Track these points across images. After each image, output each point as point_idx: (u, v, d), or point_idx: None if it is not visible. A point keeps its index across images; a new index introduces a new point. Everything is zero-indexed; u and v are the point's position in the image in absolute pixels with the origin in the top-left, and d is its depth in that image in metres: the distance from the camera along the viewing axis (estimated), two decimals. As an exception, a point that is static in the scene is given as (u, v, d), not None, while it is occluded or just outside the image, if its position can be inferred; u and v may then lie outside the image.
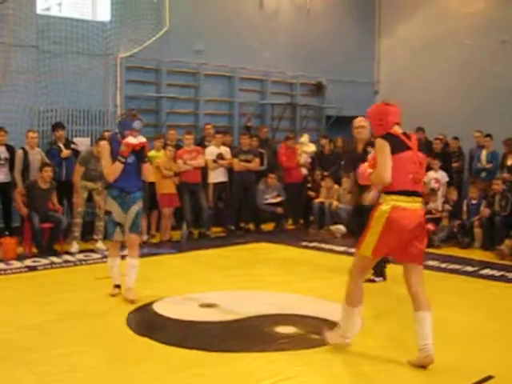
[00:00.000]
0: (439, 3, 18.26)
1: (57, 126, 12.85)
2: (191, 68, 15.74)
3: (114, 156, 7.97)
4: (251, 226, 14.59)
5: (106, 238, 8.72)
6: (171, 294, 8.50)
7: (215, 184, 14.03)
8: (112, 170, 7.99)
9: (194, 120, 15.95)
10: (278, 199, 14.54)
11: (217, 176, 13.99)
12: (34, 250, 11.49)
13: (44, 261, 10.86)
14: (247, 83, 16.95)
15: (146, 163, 8.25)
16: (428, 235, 10.95)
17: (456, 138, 15.37)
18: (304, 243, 12.85)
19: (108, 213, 8.25)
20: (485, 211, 12.53)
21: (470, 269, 10.55)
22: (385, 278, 9.43)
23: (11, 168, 12.14)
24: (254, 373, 5.74)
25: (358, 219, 8.99)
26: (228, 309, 7.83)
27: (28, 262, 10.71)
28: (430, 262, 10.31)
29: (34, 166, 12.00)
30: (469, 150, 15.40)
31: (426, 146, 15.34)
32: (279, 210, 14.49)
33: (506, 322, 7.50)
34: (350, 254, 11.63)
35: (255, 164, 14.32)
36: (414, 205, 6.00)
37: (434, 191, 13.36)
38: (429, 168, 13.97)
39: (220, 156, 13.90)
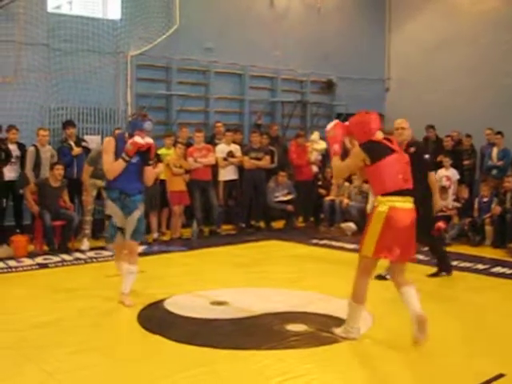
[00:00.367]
0: (450, 1, 18.21)
1: (67, 124, 12.89)
2: (201, 66, 15.76)
3: (118, 154, 7.68)
4: (262, 224, 14.59)
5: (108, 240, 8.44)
6: (182, 292, 8.50)
7: (225, 182, 14.05)
8: (113, 167, 7.70)
9: (204, 118, 15.97)
10: (289, 197, 14.53)
11: (227, 174, 14.00)
12: (45, 247, 11.52)
13: (55, 258, 10.89)
14: (257, 81, 16.96)
15: (149, 166, 7.96)
16: (439, 233, 10.99)
17: (469, 136, 15.33)
18: (314, 241, 12.85)
19: (109, 217, 8.01)
20: (496, 209, 12.49)
21: (481, 266, 10.52)
22: (450, 273, 9.53)
23: (22, 166, 12.19)
24: (264, 370, 5.74)
25: None
26: (238, 306, 7.83)
27: (39, 260, 10.76)
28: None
29: (44, 163, 12.06)
30: (480, 147, 15.35)
31: (436, 144, 15.39)
32: (289, 207, 14.48)
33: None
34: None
35: (265, 162, 14.31)
36: (408, 205, 6.47)
37: (444, 189, 13.32)
38: (440, 166, 13.96)
39: (230, 154, 13.91)
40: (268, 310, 7.61)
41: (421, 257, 10.65)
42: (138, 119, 7.90)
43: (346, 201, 14.36)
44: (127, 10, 14.25)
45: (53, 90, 13.27)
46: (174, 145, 13.29)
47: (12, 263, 10.45)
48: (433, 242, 9.71)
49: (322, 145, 15.44)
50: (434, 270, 9.70)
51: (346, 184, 14.68)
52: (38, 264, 10.50)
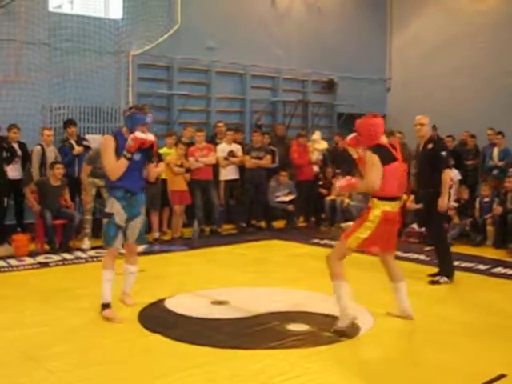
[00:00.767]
0: (451, 0, 18.21)
1: (68, 123, 12.91)
2: (203, 65, 15.77)
3: (119, 152, 7.20)
4: (262, 224, 14.58)
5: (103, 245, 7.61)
6: (183, 291, 8.50)
7: (226, 181, 14.05)
8: (116, 166, 7.20)
9: (205, 117, 15.97)
10: (290, 197, 14.52)
11: (228, 173, 14.00)
12: (46, 246, 11.52)
13: (56, 257, 10.89)
14: (259, 80, 16.97)
15: (152, 163, 7.62)
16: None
17: (473, 136, 15.32)
18: (315, 240, 12.84)
19: (109, 215, 7.35)
20: (497, 209, 12.48)
21: (482, 267, 10.51)
22: (451, 280, 9.34)
23: (23, 165, 12.20)
24: (266, 370, 5.74)
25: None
26: (239, 306, 7.83)
27: (40, 259, 10.76)
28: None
29: (49, 163, 12.04)
30: (481, 147, 15.34)
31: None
32: (290, 207, 14.48)
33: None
34: (362, 252, 11.66)
35: (266, 161, 14.31)
36: (396, 208, 7.06)
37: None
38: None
39: (231, 153, 13.91)
40: (269, 310, 7.61)
41: (421, 257, 10.67)
42: (140, 113, 7.38)
43: (346, 201, 14.36)
44: (129, 10, 14.24)
45: (54, 89, 13.27)
46: (176, 144, 13.28)
47: (13, 262, 10.45)
48: (441, 240, 9.61)
49: (323, 144, 15.44)
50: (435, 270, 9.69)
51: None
52: (39, 263, 10.50)
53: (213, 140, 14.45)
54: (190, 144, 13.59)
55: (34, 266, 10.29)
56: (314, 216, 15.26)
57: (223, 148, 13.96)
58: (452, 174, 13.84)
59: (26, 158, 12.22)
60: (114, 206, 7.32)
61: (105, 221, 7.41)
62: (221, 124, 14.81)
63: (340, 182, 7.44)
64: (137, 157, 7.29)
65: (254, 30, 16.54)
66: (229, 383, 5.46)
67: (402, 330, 6.97)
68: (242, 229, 14.23)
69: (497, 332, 7.01)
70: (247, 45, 16.24)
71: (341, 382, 5.53)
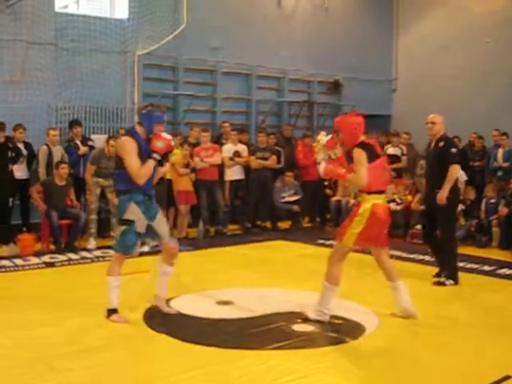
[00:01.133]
0: (457, 0, 18.18)
1: (74, 123, 12.94)
2: (209, 66, 15.79)
3: (142, 155, 6.88)
4: (268, 224, 14.58)
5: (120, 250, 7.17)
6: (188, 291, 8.51)
7: (231, 182, 14.06)
8: (145, 170, 6.86)
9: (211, 117, 15.99)
10: (295, 197, 14.52)
11: (233, 174, 14.00)
12: (52, 246, 11.54)
13: (61, 257, 10.91)
14: (264, 81, 16.98)
15: (162, 166, 7.35)
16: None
17: (481, 137, 15.29)
18: (320, 241, 12.83)
19: (129, 222, 6.97)
20: (503, 210, 12.47)
21: (487, 268, 10.50)
22: (457, 282, 9.29)
23: (29, 165, 12.24)
24: (271, 370, 5.75)
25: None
26: (244, 306, 7.83)
27: (46, 259, 10.78)
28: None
29: (55, 163, 12.06)
30: (487, 148, 15.31)
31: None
32: (296, 208, 14.47)
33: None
34: (367, 253, 11.65)
35: (272, 162, 14.31)
36: (385, 201, 7.37)
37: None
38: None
39: (237, 154, 13.91)
40: (274, 310, 7.62)
41: (427, 258, 10.66)
42: (157, 111, 7.13)
43: (352, 201, 14.30)
44: (134, 10, 14.26)
45: (60, 90, 13.29)
46: (181, 145, 13.29)
47: (19, 262, 10.47)
48: (448, 242, 9.50)
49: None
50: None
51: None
52: (45, 263, 10.52)
53: (218, 140, 14.45)
54: (196, 144, 13.59)
55: (40, 266, 10.31)
56: (320, 216, 15.26)
57: (228, 148, 13.96)
58: (458, 175, 13.88)
59: (31, 158, 12.26)
60: (134, 212, 6.96)
61: (122, 227, 7.02)
62: (226, 124, 14.81)
63: (327, 168, 7.45)
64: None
65: (260, 30, 16.55)
66: (235, 383, 5.47)
67: (406, 331, 6.97)
68: (247, 229, 14.23)
69: (502, 333, 7.00)
70: (253, 45, 16.25)
71: (345, 383, 5.53)
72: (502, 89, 16.47)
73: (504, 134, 14.43)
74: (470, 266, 10.50)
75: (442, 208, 9.15)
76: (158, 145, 6.95)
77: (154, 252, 11.08)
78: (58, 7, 13.52)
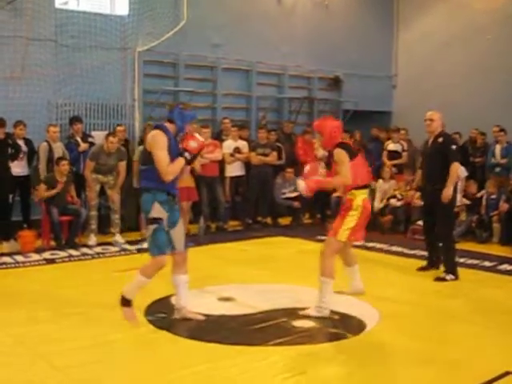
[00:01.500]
0: (458, -3, 18.20)
1: (74, 120, 12.93)
2: (209, 62, 15.77)
3: (171, 152, 6.65)
4: (268, 220, 14.58)
5: (151, 252, 6.79)
6: (189, 288, 8.50)
7: (232, 178, 14.05)
8: (175, 168, 6.64)
9: (211, 114, 15.97)
10: (296, 193, 14.50)
11: (234, 170, 14.00)
12: (53, 242, 11.54)
13: (62, 253, 10.92)
14: (265, 77, 16.95)
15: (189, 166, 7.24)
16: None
17: (483, 134, 15.27)
18: (321, 237, 12.77)
19: (157, 220, 6.71)
20: (503, 206, 12.46)
21: (487, 264, 10.49)
22: (457, 277, 9.35)
23: (29, 162, 12.24)
24: (272, 366, 5.76)
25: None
26: (245, 302, 7.84)
27: (46, 255, 10.78)
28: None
29: (56, 159, 12.05)
30: (489, 144, 15.29)
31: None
32: (296, 204, 14.47)
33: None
34: (368, 248, 11.69)
35: (272, 158, 14.31)
36: (368, 195, 7.85)
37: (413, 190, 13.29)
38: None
39: (237, 150, 13.91)
40: (275, 306, 7.63)
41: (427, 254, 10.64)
42: (189, 109, 6.99)
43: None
44: (135, 6, 14.23)
45: (60, 86, 13.28)
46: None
47: (19, 258, 10.47)
48: (447, 237, 9.57)
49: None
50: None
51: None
52: (45, 259, 10.52)
53: (219, 136, 14.45)
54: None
55: (41, 263, 10.31)
56: (320, 213, 15.25)
57: (229, 144, 13.96)
58: (458, 171, 13.88)
59: (32, 155, 12.25)
60: (160, 212, 6.69)
61: (151, 227, 6.72)
62: (226, 121, 14.80)
63: (306, 184, 7.51)
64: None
65: (260, 26, 16.53)
66: (236, 379, 5.48)
67: (406, 327, 6.98)
68: (248, 225, 14.23)
69: (502, 329, 7.01)
70: (253, 42, 16.23)
71: (346, 378, 5.54)
72: (502, 85, 16.44)
73: (502, 130, 14.38)
74: (470, 261, 10.50)
75: (441, 204, 9.18)
76: (192, 144, 6.77)
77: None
78: (58, 3, 13.48)
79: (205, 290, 8.44)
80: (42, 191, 11.60)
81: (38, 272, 9.74)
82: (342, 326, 7.00)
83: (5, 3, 12.47)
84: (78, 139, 12.78)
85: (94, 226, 11.99)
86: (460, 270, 9.52)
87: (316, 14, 17.82)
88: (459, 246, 11.57)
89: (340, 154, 7.40)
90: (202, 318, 7.20)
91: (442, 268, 9.51)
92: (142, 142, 13.32)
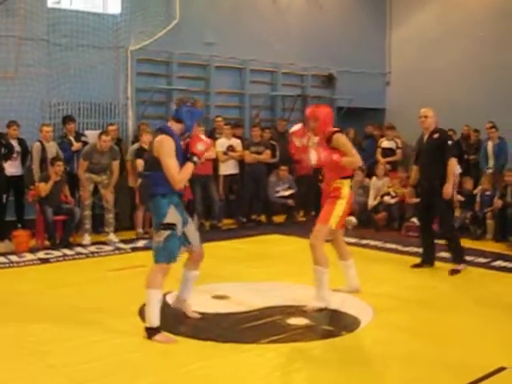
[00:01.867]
0: (451, -6, 18.21)
1: (67, 119, 12.91)
2: (202, 60, 15.75)
3: (179, 157, 6.49)
4: (262, 218, 14.60)
5: (161, 260, 6.53)
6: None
7: (226, 176, 14.05)
8: (184, 175, 6.48)
9: (204, 112, 15.94)
10: (290, 192, 14.52)
11: (227, 168, 14.00)
12: (47, 242, 11.53)
13: (56, 253, 10.90)
14: (258, 75, 16.94)
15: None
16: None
17: (477, 131, 15.26)
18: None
19: (171, 226, 6.48)
20: (497, 202, 12.48)
21: (482, 260, 10.51)
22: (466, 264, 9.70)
23: (23, 161, 12.22)
24: (266, 364, 5.77)
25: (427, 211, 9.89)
26: (240, 300, 7.85)
27: (40, 255, 10.76)
28: (443, 254, 10.29)
29: (49, 159, 12.01)
30: (482, 141, 15.28)
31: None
32: (290, 202, 14.49)
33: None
34: (362, 245, 11.71)
35: (266, 156, 14.33)
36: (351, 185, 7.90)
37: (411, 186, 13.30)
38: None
39: (230, 148, 13.91)
40: (269, 304, 7.63)
41: (422, 251, 10.65)
42: (196, 107, 6.66)
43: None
44: (127, 5, 14.21)
45: (53, 85, 13.25)
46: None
47: (13, 258, 10.46)
48: (451, 231, 9.78)
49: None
50: (451, 266, 9.69)
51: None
52: (40, 259, 10.51)
53: (212, 135, 14.42)
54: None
55: (35, 262, 10.30)
56: (314, 210, 15.21)
57: (222, 143, 13.96)
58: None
59: (25, 155, 12.23)
60: (175, 216, 6.51)
61: (165, 233, 6.46)
62: (219, 119, 14.79)
63: (318, 155, 7.46)
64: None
65: (253, 24, 16.51)
66: (230, 377, 5.48)
67: (400, 324, 6.98)
68: (242, 223, 14.25)
69: (496, 325, 7.02)
70: (246, 39, 16.22)
71: (341, 376, 5.53)
72: (497, 82, 16.45)
73: (493, 126, 14.32)
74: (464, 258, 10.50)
75: (440, 200, 9.26)
76: (200, 148, 6.59)
77: (147, 247, 11.16)
78: (50, 3, 13.45)
79: (199, 288, 8.38)
80: (42, 188, 11.54)
81: (32, 272, 9.73)
82: (337, 323, 7.01)
83: (-3, 3, 12.46)
84: (71, 139, 12.76)
85: (88, 225, 11.98)
86: (454, 267, 9.56)
87: (309, 12, 17.82)
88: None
89: (341, 138, 7.58)
90: (198, 316, 7.17)
91: (436, 264, 9.64)
92: (135, 140, 13.35)
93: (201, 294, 8.08)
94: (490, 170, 13.89)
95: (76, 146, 12.65)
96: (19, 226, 11.98)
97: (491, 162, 14.19)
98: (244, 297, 8.01)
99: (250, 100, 16.72)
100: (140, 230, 12.71)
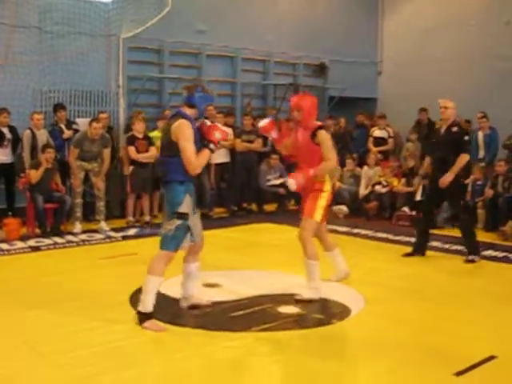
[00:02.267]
0: (443, -17, 18.19)
1: (58, 107, 12.86)
2: (194, 48, 15.72)
3: (196, 142, 6.51)
4: (254, 207, 14.61)
5: (169, 248, 6.55)
6: (175, 274, 8.48)
7: (217, 165, 14.02)
8: (202, 161, 6.56)
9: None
10: (281, 180, 14.49)
11: (219, 157, 13.95)
12: (38, 230, 11.52)
13: (47, 241, 10.90)
14: (250, 64, 16.93)
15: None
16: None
17: (468, 121, 15.25)
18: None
19: (184, 215, 6.57)
20: (488, 192, 12.51)
21: (472, 250, 10.55)
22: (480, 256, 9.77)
23: (14, 149, 12.19)
24: (257, 352, 5.78)
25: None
26: (231, 288, 7.86)
27: (31, 243, 10.76)
28: (434, 243, 10.33)
29: (40, 146, 11.98)
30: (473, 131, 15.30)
31: (428, 127, 15.38)
32: (282, 190, 14.47)
33: (508, 303, 7.51)
34: (353, 234, 11.73)
35: (257, 144, 14.32)
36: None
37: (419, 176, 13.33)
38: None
39: (222, 136, 13.87)
40: (260, 292, 7.65)
41: (413, 240, 10.66)
42: (206, 92, 6.77)
43: (338, 184, 14.38)
44: (119, -8, 14.17)
45: (44, 73, 13.19)
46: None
47: (4, 246, 10.44)
48: (466, 222, 9.90)
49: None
50: (442, 256, 9.74)
51: (338, 167, 14.71)
52: (31, 247, 10.50)
53: (203, 123, 14.41)
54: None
55: (26, 250, 10.28)
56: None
57: (214, 131, 13.92)
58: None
59: (16, 142, 12.19)
60: (189, 205, 6.64)
61: (176, 222, 6.51)
62: (211, 107, 14.72)
63: (296, 180, 7.37)
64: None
65: (245, 13, 16.49)
66: (221, 364, 5.50)
67: (391, 313, 7.00)
68: (233, 212, 14.27)
69: (486, 314, 7.04)
70: (238, 28, 16.20)
71: (331, 364, 5.55)
72: (487, 72, 16.45)
73: (484, 116, 14.30)
74: (455, 247, 10.51)
75: (455, 191, 9.36)
76: (217, 136, 6.66)
77: (139, 235, 11.19)
78: (41, -10, 13.41)
79: (190, 276, 8.44)
80: (33, 175, 11.51)
81: (23, 259, 9.72)
82: (327, 312, 7.04)
83: (-13, -10, 12.40)
84: (62, 126, 12.72)
85: (78, 213, 11.96)
86: (445, 256, 9.64)
87: (301, 0, 17.80)
88: (444, 232, 11.67)
89: (324, 136, 7.50)
90: (209, 303, 7.17)
91: (427, 253, 9.78)
92: (127, 129, 13.32)
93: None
94: (483, 164, 13.85)
95: (67, 133, 12.62)
96: (10, 213, 11.93)
97: (482, 153, 14.18)
98: (235, 285, 8.03)
99: (241, 88, 16.72)
100: (131, 219, 12.72)
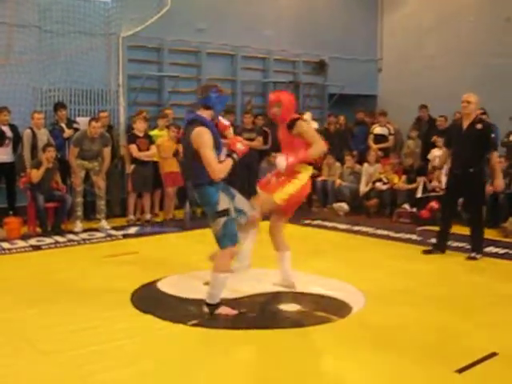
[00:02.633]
0: (443, -20, 18.18)
1: (58, 106, 12.86)
2: (193, 47, 15.72)
3: (217, 148, 6.68)
4: (254, 205, 14.59)
5: (224, 243, 6.72)
6: (175, 272, 8.53)
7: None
8: (225, 168, 6.72)
9: (196, 99, 15.87)
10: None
11: (219, 155, 13.97)
12: (38, 229, 11.52)
13: (48, 240, 10.90)
14: (250, 62, 16.93)
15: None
16: (432, 213, 11.13)
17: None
18: (307, 221, 12.85)
19: (225, 212, 6.73)
20: (489, 189, 12.47)
21: (473, 246, 10.54)
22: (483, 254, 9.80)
23: (15, 148, 12.19)
24: (258, 350, 5.79)
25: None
26: (231, 286, 7.82)
27: (32, 242, 10.76)
28: (434, 240, 10.33)
29: (41, 146, 11.98)
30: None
31: (429, 124, 15.38)
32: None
33: (510, 300, 7.51)
34: (353, 232, 11.72)
35: (258, 142, 14.32)
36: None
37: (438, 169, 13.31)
38: (433, 145, 13.97)
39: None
40: (261, 290, 7.67)
41: (413, 237, 10.67)
42: (222, 93, 6.90)
43: (338, 181, 14.39)
44: (119, -9, 14.17)
45: (44, 72, 13.19)
46: (168, 127, 13.24)
47: (5, 245, 10.45)
48: (480, 221, 9.97)
49: (314, 125, 15.41)
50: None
51: (338, 164, 14.72)
52: (32, 246, 10.51)
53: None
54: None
55: (27, 249, 10.29)
56: (306, 197, 15.25)
57: (213, 129, 13.92)
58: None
59: (17, 141, 12.20)
60: (225, 200, 6.78)
61: (221, 220, 6.67)
62: (211, 106, 14.74)
63: (282, 162, 7.45)
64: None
65: (245, 11, 16.48)
66: (222, 363, 5.49)
67: (392, 310, 7.00)
68: (234, 210, 14.25)
69: (487, 311, 7.05)
70: (238, 26, 16.19)
71: (332, 361, 5.57)
72: (489, 69, 16.42)
73: (484, 113, 14.17)
74: (456, 244, 10.48)
75: (475, 187, 9.49)
76: (240, 147, 6.85)
77: (140, 234, 11.20)
78: (41, -11, 13.41)
79: (191, 274, 8.46)
80: (34, 175, 11.52)
81: (24, 258, 9.73)
82: (328, 309, 7.01)
83: (-13, -10, 12.40)
84: (63, 125, 12.73)
85: (79, 212, 11.97)
86: (446, 253, 9.63)
87: (301, -2, 17.85)
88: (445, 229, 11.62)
89: (303, 125, 7.43)
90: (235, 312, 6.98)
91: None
92: (129, 129, 13.32)
93: (192, 280, 8.14)
94: None
95: (67, 132, 12.63)
96: (11, 213, 11.96)
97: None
98: (235, 283, 7.97)
99: (241, 86, 16.70)
100: (131, 217, 12.73)
